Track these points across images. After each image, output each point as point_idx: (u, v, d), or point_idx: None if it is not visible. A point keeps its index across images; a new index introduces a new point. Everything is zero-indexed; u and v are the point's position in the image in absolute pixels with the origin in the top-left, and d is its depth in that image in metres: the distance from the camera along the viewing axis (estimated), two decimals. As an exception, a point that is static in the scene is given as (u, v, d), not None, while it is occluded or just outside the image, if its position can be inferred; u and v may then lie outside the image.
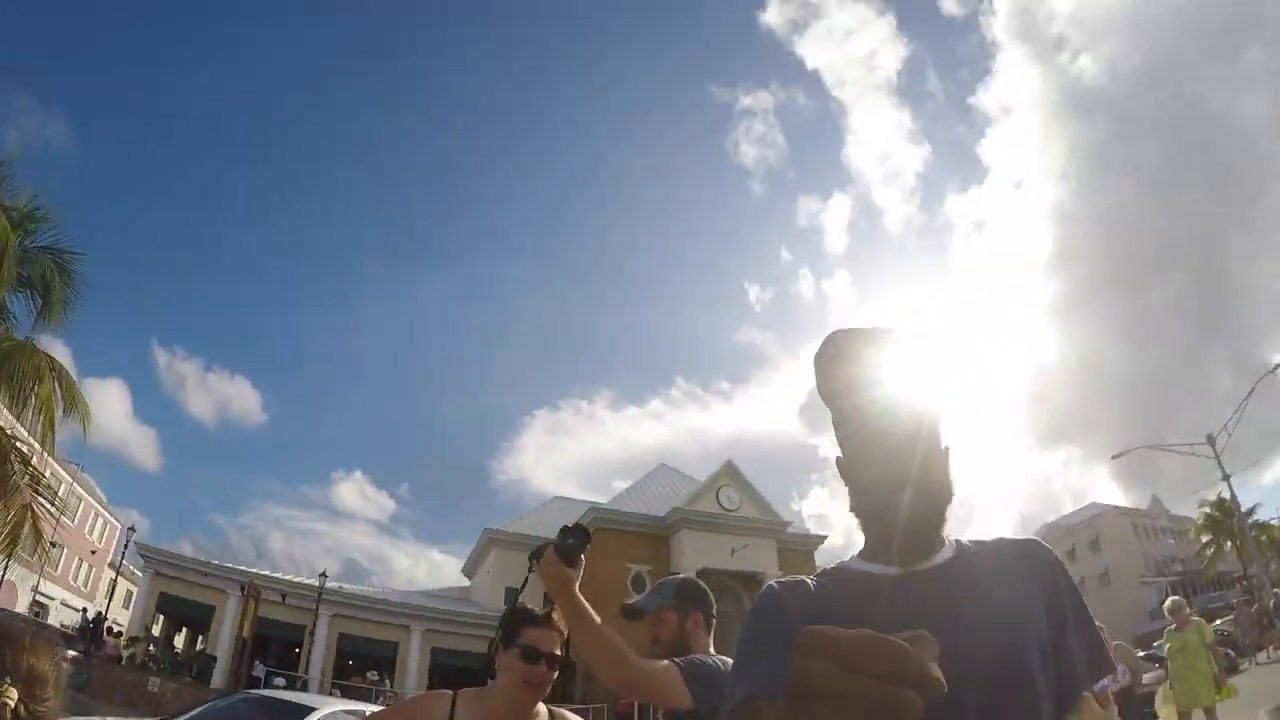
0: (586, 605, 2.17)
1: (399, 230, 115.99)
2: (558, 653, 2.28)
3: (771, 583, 1.42)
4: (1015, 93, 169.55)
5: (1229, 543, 48.29)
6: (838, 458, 1.43)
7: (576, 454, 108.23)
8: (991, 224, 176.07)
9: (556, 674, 2.28)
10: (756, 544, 35.56)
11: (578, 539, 2.18)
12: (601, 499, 40.69)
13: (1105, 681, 6.42)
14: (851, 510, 1.41)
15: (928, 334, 1.43)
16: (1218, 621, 31.30)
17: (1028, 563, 1.39)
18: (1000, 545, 1.43)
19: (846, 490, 1.41)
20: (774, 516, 38.53)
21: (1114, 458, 35.45)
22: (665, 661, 2.35)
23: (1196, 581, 63.27)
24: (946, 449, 1.39)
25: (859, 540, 1.43)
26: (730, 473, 38.37)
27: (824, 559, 38.25)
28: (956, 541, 1.41)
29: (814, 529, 43.82)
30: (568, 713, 2.48)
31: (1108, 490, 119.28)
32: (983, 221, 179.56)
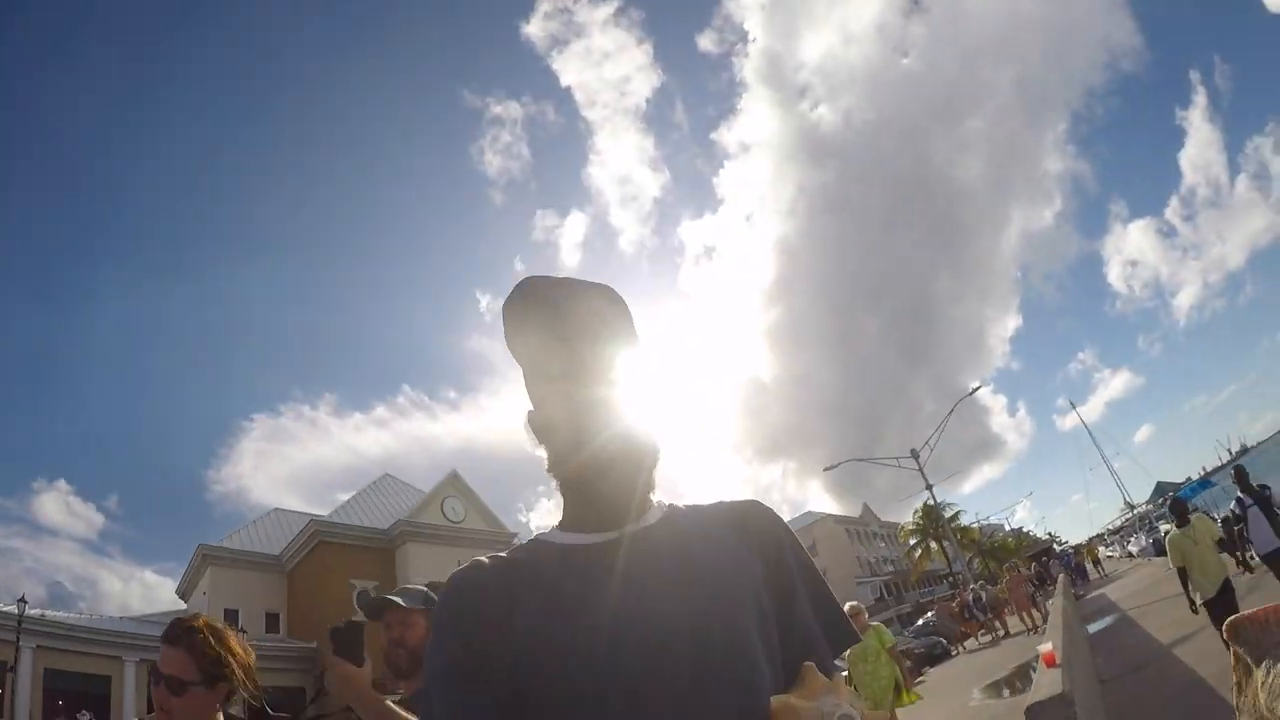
0: (377, 697, 2.16)
1: (125, 230, 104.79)
2: (181, 676, 2.01)
3: (468, 566, 1.23)
4: (755, 132, 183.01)
5: (935, 544, 51.82)
6: (529, 412, 1.28)
7: (298, 462, 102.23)
8: (721, 250, 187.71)
9: (183, 698, 2.01)
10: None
11: (349, 633, 2.20)
12: (323, 511, 37.93)
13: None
14: (548, 472, 1.26)
15: (624, 296, 1.34)
16: (929, 614, 33.51)
17: (745, 525, 1.29)
18: (717, 508, 1.32)
19: (542, 450, 1.26)
20: (500, 528, 37.75)
21: (826, 470, 38.12)
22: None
23: (907, 579, 68.77)
24: (651, 407, 1.25)
25: None
26: (455, 484, 37.19)
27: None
28: (670, 505, 1.29)
29: (542, 540, 43.43)
30: None
31: (822, 500, 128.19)
32: (713, 247, 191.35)
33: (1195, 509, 9.31)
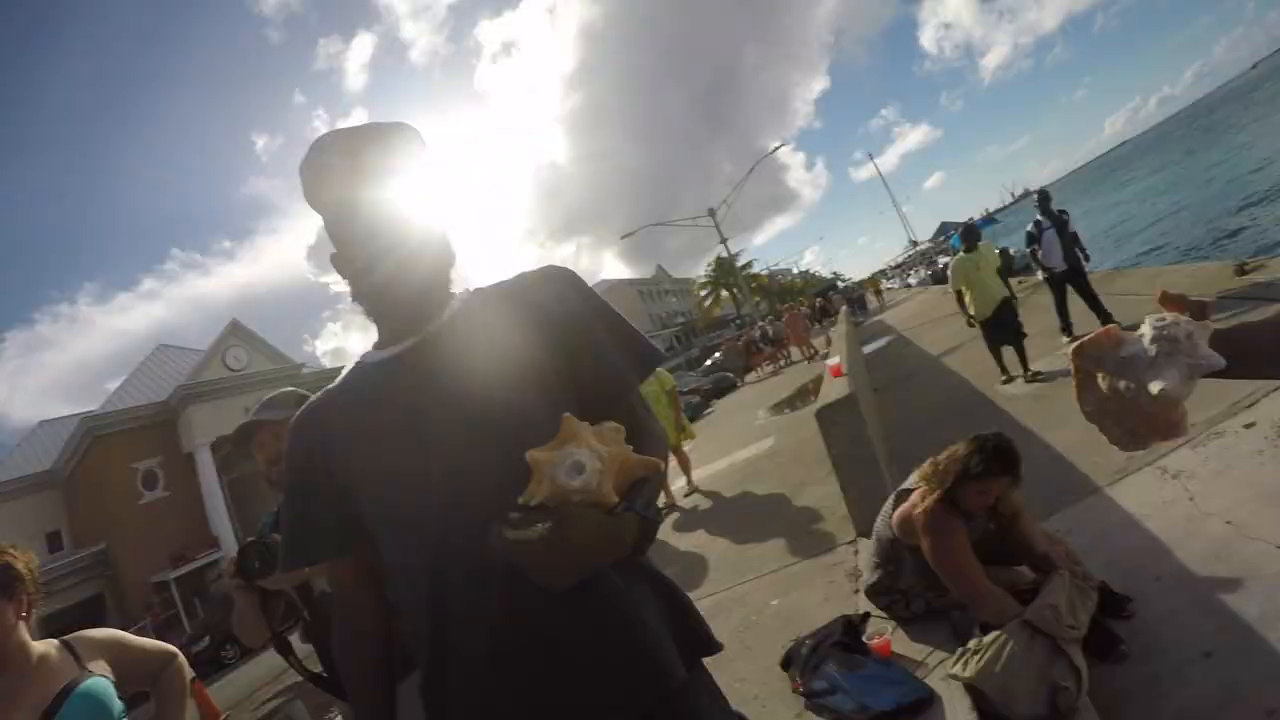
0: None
1: None
2: None
3: (304, 409, 1.50)
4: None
5: (726, 291, 53.27)
6: (332, 254, 1.43)
7: (62, 367, 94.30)
8: (521, 44, 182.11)
9: None
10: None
11: (250, 562, 2.15)
12: (94, 405, 33.30)
13: None
14: (354, 300, 1.42)
15: (417, 133, 1.44)
16: (716, 354, 34.51)
17: (533, 289, 1.46)
18: (514, 280, 1.49)
19: (348, 287, 1.42)
20: (287, 363, 35.16)
21: (623, 237, 38.41)
22: None
23: (696, 327, 71.52)
24: (444, 220, 1.44)
25: None
26: (235, 332, 33.73)
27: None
28: (473, 291, 1.48)
29: (330, 364, 41.00)
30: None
31: (616, 268, 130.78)
32: (512, 43, 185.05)
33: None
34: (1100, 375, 1.13)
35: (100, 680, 2.03)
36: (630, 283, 75.76)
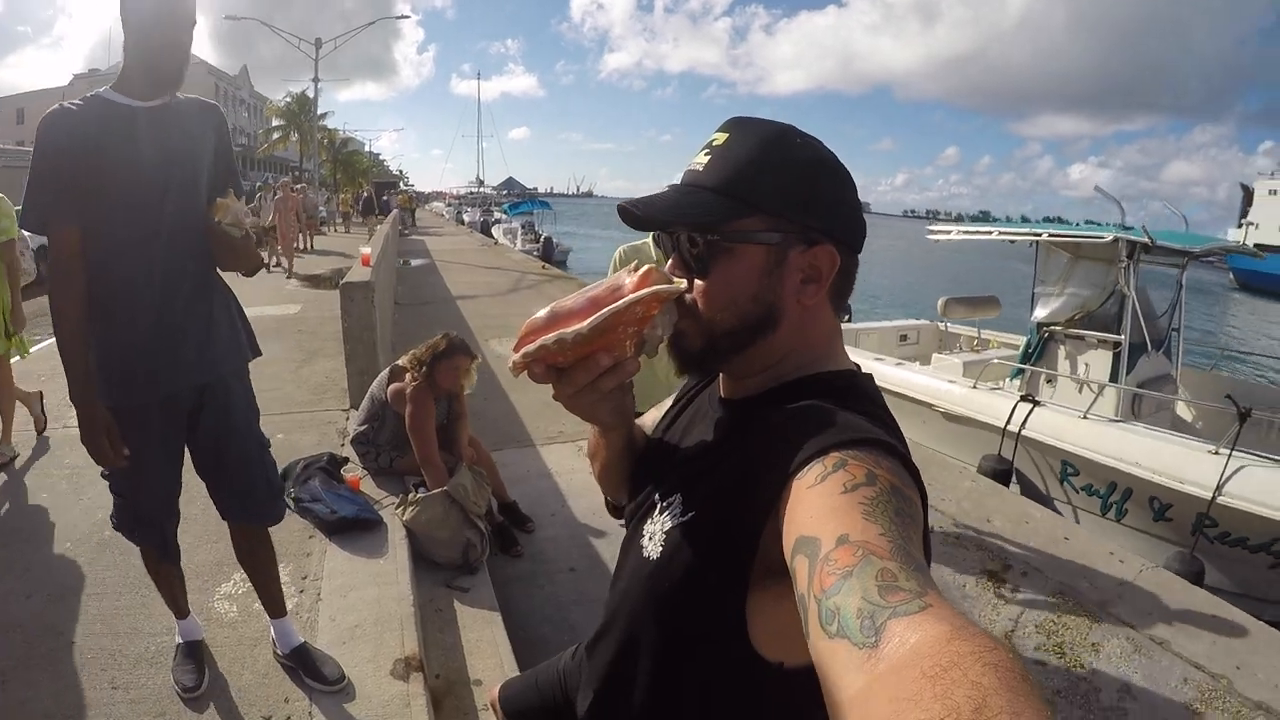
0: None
1: None
2: None
3: (55, 109, 2.01)
4: None
5: (296, 134, 48.99)
6: (122, 4, 1.99)
7: None
8: None
9: None
10: None
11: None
12: None
13: None
14: (125, 48, 2.04)
15: None
16: (259, 198, 31.62)
17: (208, 115, 2.26)
18: (202, 102, 2.27)
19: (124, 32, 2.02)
20: None
21: (227, 18, 34.42)
22: None
23: (255, 156, 64.82)
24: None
25: None
26: None
27: None
28: (188, 97, 2.23)
29: None
30: None
31: (202, 45, 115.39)
32: None
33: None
34: None
35: None
36: (211, 71, 66.61)
